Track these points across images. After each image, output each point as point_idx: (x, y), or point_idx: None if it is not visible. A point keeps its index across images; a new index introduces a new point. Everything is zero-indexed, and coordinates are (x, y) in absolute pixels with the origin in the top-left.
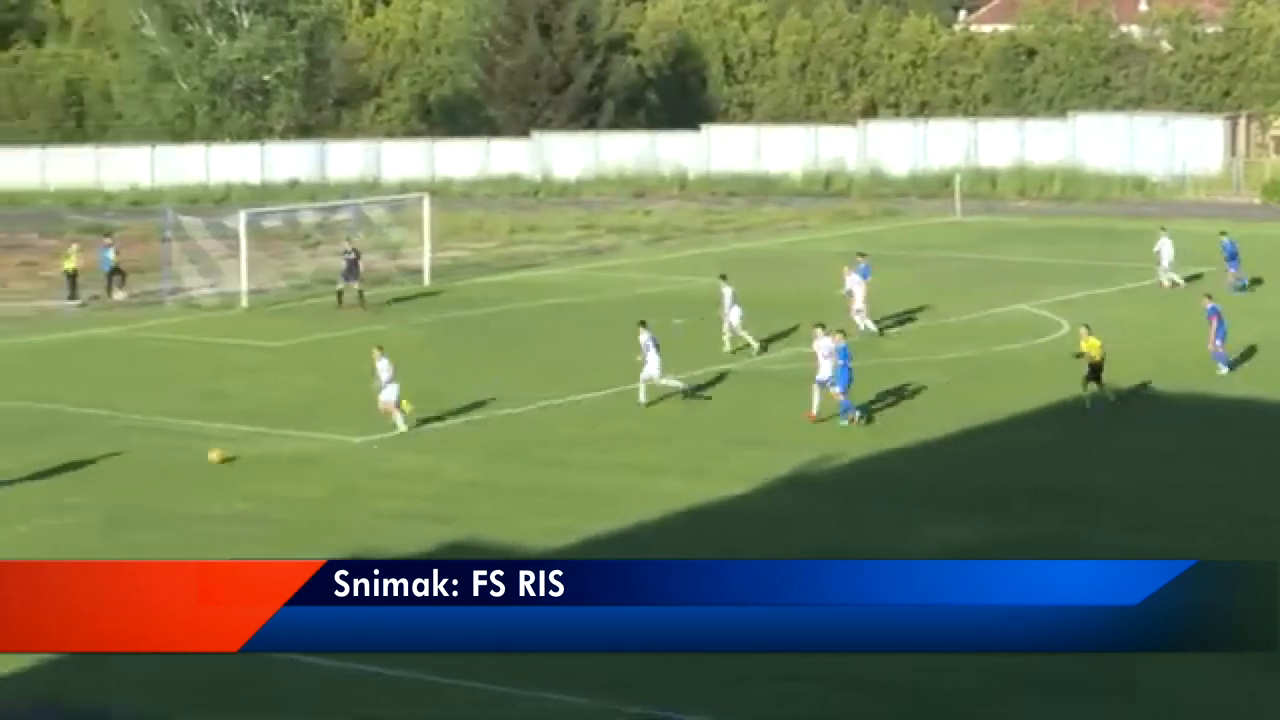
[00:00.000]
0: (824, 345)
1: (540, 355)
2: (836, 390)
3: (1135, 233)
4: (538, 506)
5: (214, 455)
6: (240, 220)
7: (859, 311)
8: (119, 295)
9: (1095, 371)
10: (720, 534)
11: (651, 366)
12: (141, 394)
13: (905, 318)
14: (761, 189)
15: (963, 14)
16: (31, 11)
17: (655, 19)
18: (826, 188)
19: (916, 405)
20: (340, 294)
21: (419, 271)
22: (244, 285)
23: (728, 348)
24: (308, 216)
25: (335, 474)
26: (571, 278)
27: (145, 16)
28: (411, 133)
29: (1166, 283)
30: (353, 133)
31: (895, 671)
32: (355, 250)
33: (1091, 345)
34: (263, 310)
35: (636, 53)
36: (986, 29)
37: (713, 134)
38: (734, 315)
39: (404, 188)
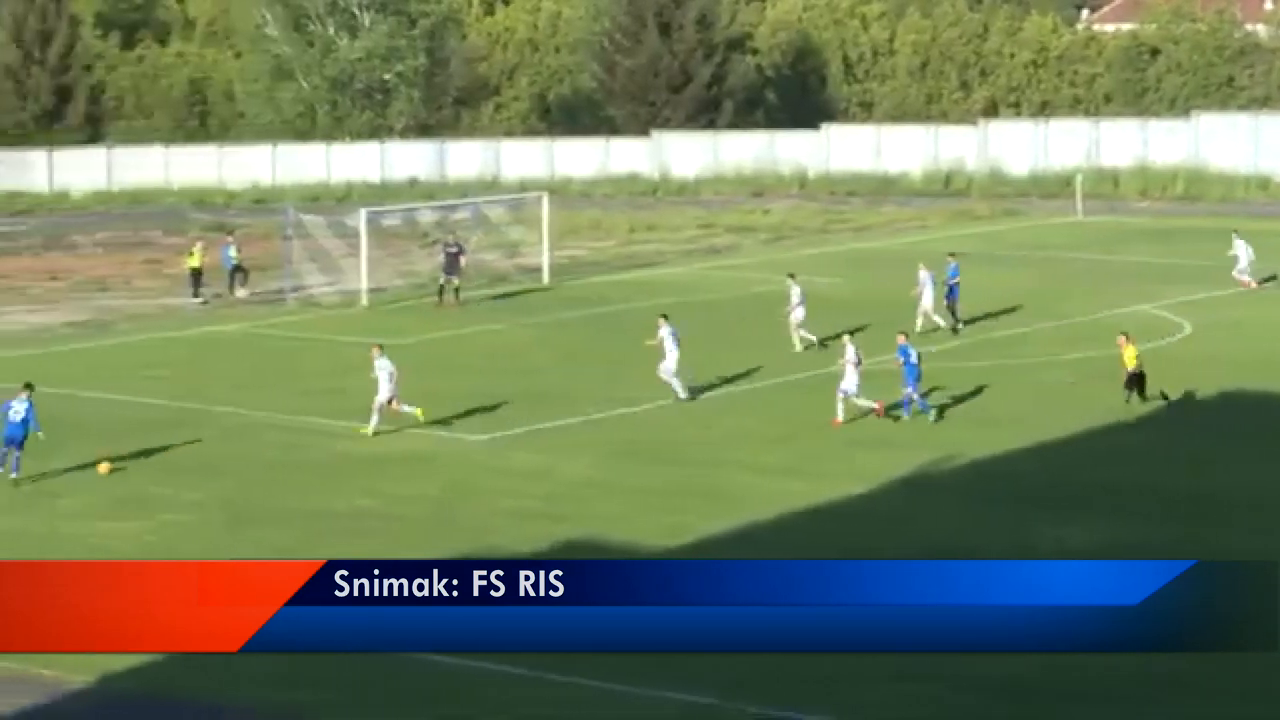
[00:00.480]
0: (852, 354)
1: (658, 354)
2: (908, 390)
3: (1259, 233)
4: (654, 505)
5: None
6: (361, 219)
7: (925, 312)
8: (241, 293)
9: (1134, 380)
10: (837, 534)
11: (670, 361)
12: (263, 391)
13: (984, 318)
14: (881, 189)
15: (1085, 13)
16: (156, 11)
17: (775, 18)
18: (946, 187)
19: (1040, 405)
20: (441, 290)
21: (538, 270)
22: (364, 283)
23: (797, 348)
24: (427, 215)
25: (454, 472)
26: (690, 277)
27: (267, 16)
28: (531, 132)
29: (1251, 284)
30: (472, 132)
31: (1014, 671)
32: (459, 244)
33: (1129, 354)
34: (382, 308)
35: (756, 52)
36: (1109, 28)
37: (832, 133)
38: (798, 314)
39: (523, 187)
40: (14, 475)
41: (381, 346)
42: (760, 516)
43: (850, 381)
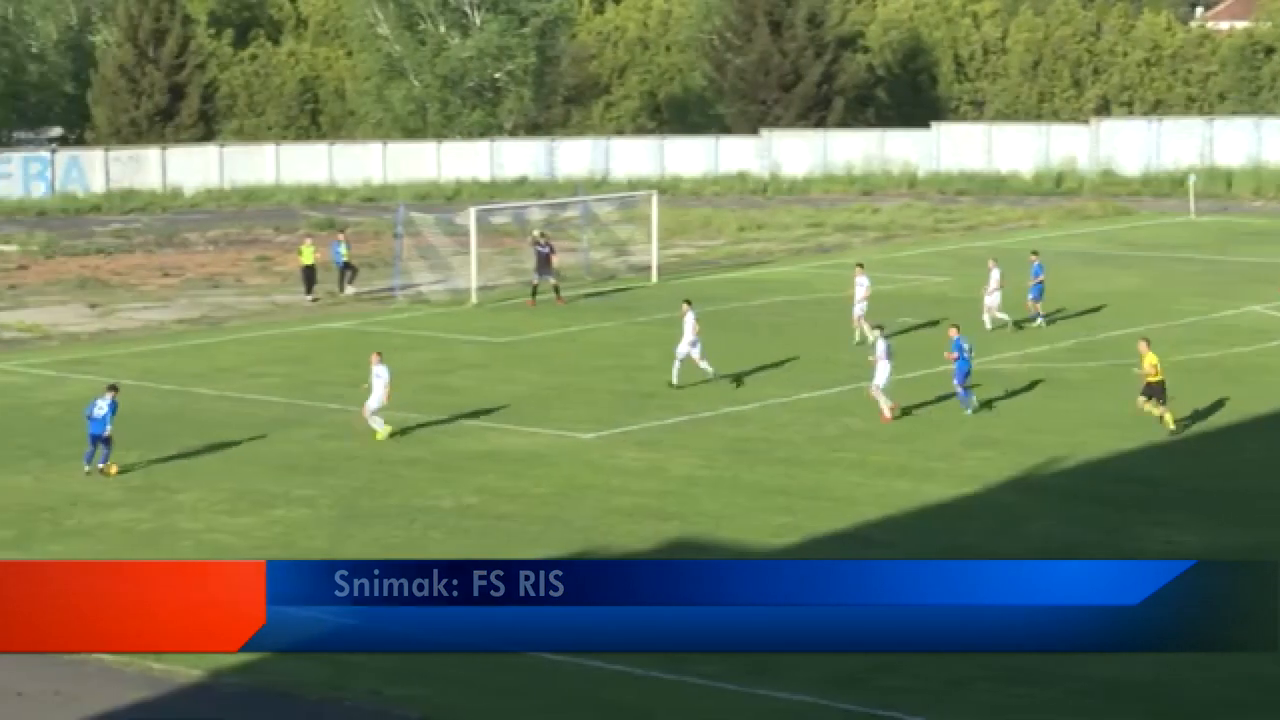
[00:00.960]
0: (881, 348)
1: (767, 353)
2: (956, 383)
3: None
4: (763, 504)
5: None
6: (470, 217)
7: (990, 309)
8: (349, 290)
9: (1153, 390)
10: (945, 534)
11: (692, 346)
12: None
13: (1057, 317)
14: (991, 187)
15: (1199, 10)
16: (268, 10)
17: (886, 16)
18: (1057, 186)
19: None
20: (534, 290)
21: (646, 269)
22: (473, 281)
23: (857, 339)
24: (536, 213)
25: (562, 469)
26: (799, 275)
27: (379, 15)
28: (640, 130)
29: None
30: (582, 130)
31: (1132, 673)
32: (548, 244)
33: (1149, 361)
34: (491, 306)
35: (866, 50)
36: (1223, 26)
37: (943, 132)
38: (860, 307)
39: (632, 185)
40: (99, 465)
41: (380, 354)
42: (869, 516)
43: (881, 376)
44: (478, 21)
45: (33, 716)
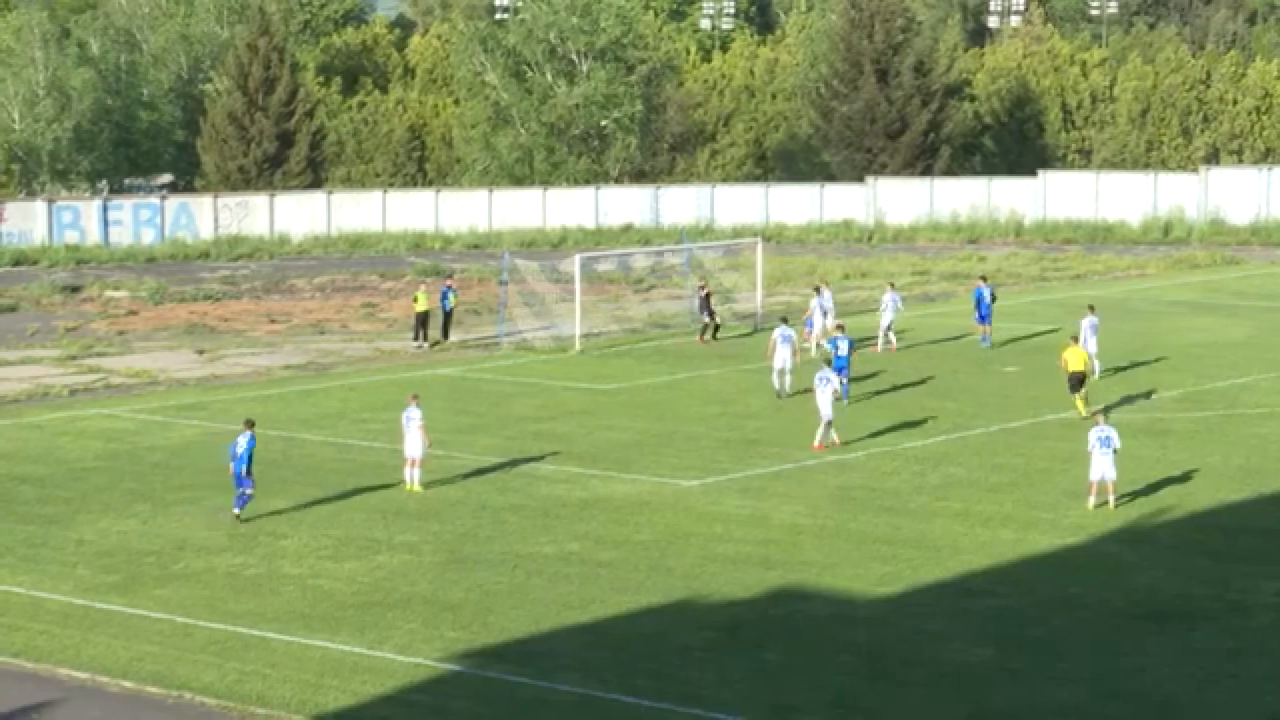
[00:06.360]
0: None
1: (871, 400)
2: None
3: None
4: (866, 553)
5: None
6: (575, 264)
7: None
8: (452, 337)
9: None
10: (1048, 584)
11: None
12: (475, 434)
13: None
14: (1098, 236)
15: None
16: (376, 59)
17: (993, 65)
18: (1165, 235)
19: (1260, 457)
20: (704, 329)
21: (751, 316)
22: (577, 328)
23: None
24: (641, 260)
25: (665, 517)
26: (904, 324)
27: (487, 63)
28: (746, 178)
29: None
30: (687, 177)
31: None
32: (705, 287)
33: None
34: (595, 353)
35: (973, 98)
36: None
37: (1049, 180)
38: (885, 318)
39: (737, 233)
40: (236, 511)
41: (416, 396)
42: (972, 566)
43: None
44: (584, 70)
45: None
